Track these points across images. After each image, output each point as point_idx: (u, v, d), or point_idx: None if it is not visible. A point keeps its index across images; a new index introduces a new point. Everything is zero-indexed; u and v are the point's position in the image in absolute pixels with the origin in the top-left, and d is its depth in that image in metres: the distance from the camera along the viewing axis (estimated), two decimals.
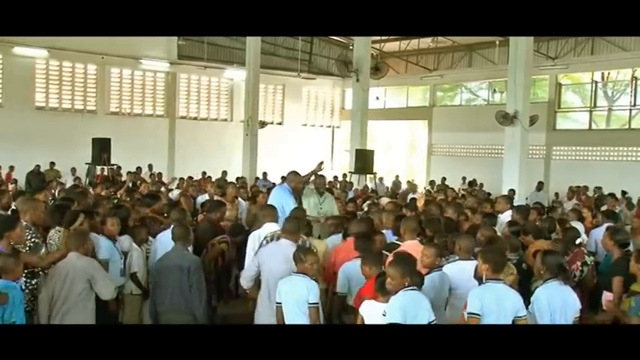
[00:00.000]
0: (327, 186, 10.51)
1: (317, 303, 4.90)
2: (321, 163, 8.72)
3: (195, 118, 24.47)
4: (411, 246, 5.64)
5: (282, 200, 7.82)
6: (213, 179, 15.57)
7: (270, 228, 6.16)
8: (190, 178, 15.56)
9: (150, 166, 19.25)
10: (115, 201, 9.29)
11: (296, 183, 8.20)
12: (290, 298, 4.93)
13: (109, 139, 17.26)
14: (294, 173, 8.37)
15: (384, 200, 11.02)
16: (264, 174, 19.82)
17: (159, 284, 5.50)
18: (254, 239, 6.22)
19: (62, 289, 4.95)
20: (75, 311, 4.94)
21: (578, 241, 6.84)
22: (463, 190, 17.07)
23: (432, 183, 19.38)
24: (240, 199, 10.18)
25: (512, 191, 12.95)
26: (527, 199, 14.16)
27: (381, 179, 19.94)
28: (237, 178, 16.62)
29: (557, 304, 4.56)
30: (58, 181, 14.72)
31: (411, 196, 13.54)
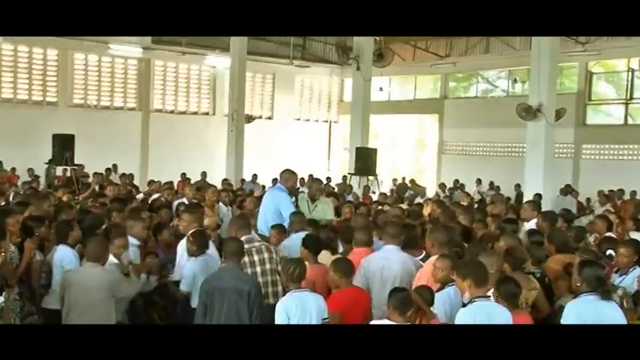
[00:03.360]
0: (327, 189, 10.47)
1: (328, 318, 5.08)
2: None
3: (172, 112, 24.50)
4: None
5: (278, 203, 7.94)
6: (193, 182, 15.63)
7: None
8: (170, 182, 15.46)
9: (114, 167, 19.06)
10: (78, 206, 9.26)
11: (292, 183, 8.36)
12: (305, 316, 5.01)
13: (73, 136, 17.19)
14: (289, 172, 8.51)
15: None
16: (254, 176, 19.89)
17: (209, 309, 5.41)
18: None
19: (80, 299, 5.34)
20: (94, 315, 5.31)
21: (608, 253, 6.86)
22: (479, 193, 17.08)
23: (442, 186, 19.39)
24: (221, 203, 10.22)
25: (538, 196, 12.96)
26: (552, 204, 14.13)
27: (375, 181, 19.80)
28: (224, 180, 16.70)
29: (588, 321, 4.57)
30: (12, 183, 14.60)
31: (418, 200, 13.80)
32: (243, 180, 19.26)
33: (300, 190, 10.92)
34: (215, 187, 11.70)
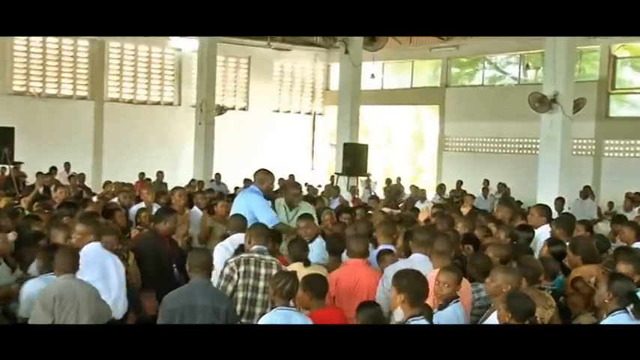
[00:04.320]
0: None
1: None
2: None
3: (130, 102, 24.46)
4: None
5: (253, 206, 7.94)
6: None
7: (239, 239, 6.49)
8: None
9: (66, 166, 19.08)
10: (21, 211, 9.23)
11: (268, 184, 8.37)
12: None
13: (12, 129, 17.17)
14: (265, 172, 8.49)
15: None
16: (217, 176, 19.87)
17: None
18: (220, 252, 6.67)
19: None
20: None
21: None
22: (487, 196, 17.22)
23: (441, 188, 19.46)
24: (196, 207, 10.27)
25: (561, 201, 12.98)
26: (569, 209, 13.95)
27: (368, 182, 20.01)
28: (192, 181, 16.73)
29: None
30: None
31: (418, 205, 13.87)
32: (212, 180, 19.32)
33: (277, 191, 10.94)
34: (182, 188, 11.66)
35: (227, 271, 6.09)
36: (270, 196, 8.37)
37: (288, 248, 6.76)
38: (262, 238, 6.42)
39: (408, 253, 6.64)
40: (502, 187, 19.74)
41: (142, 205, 10.24)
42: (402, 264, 6.19)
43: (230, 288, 6.02)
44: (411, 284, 4.71)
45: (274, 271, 6.07)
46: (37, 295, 5.53)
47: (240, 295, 6.07)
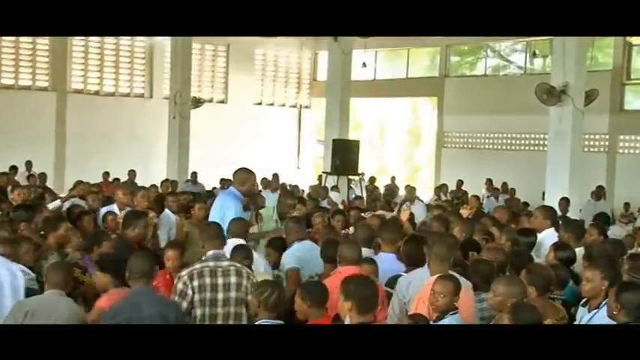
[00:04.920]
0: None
1: None
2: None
3: (96, 93, 24.33)
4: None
5: (227, 213, 7.90)
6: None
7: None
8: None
9: (28, 165, 19.04)
10: None
11: (249, 185, 8.35)
12: None
13: None
14: (245, 171, 8.50)
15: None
16: (194, 175, 19.77)
17: None
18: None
19: None
20: None
21: None
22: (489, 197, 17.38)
23: (440, 189, 19.35)
24: (168, 211, 10.29)
25: (565, 201, 12.91)
26: (580, 211, 14.16)
27: (361, 182, 19.96)
28: (165, 181, 16.70)
29: None
30: None
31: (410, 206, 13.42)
32: (174, 182, 18.94)
33: (260, 192, 10.92)
34: (146, 188, 11.70)
35: (180, 286, 6.03)
36: (250, 197, 8.39)
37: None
38: (217, 241, 6.39)
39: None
40: (505, 187, 19.77)
41: (113, 207, 10.15)
42: (418, 274, 6.28)
43: (185, 305, 5.96)
44: (359, 291, 4.80)
45: (233, 279, 6.09)
46: (12, 305, 5.64)
47: (198, 312, 6.02)
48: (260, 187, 15.10)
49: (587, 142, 16.63)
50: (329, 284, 6.13)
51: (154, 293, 5.73)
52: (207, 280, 6.04)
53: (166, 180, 17.41)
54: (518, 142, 22.97)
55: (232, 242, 6.85)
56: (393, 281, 6.43)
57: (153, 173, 19.06)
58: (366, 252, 7.10)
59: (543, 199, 13.91)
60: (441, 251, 6.15)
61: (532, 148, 21.89)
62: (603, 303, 5.42)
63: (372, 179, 21.72)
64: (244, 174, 8.39)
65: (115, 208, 10.07)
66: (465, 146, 24.46)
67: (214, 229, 6.61)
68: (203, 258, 6.24)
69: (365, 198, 16.69)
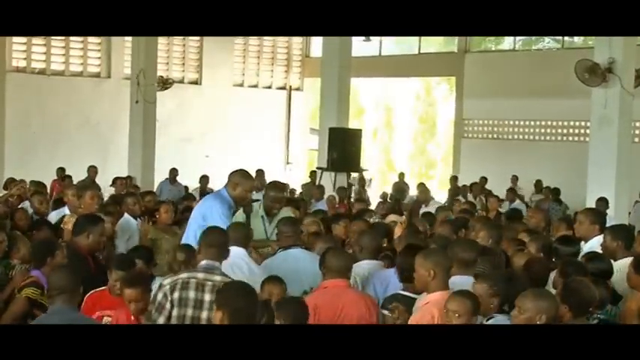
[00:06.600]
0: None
1: None
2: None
3: (42, 72, 23.24)
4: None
5: (207, 215, 7.77)
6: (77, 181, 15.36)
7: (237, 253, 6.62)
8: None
9: None
10: None
11: (241, 192, 7.99)
12: None
13: None
14: (244, 175, 8.16)
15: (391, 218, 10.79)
16: (173, 172, 18.70)
17: None
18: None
19: None
20: None
21: None
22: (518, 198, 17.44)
23: (468, 188, 18.32)
24: (127, 215, 10.07)
25: (602, 201, 12.39)
26: (629, 214, 14.12)
27: (361, 180, 19.68)
28: (117, 179, 15.83)
29: None
30: None
31: (425, 209, 13.40)
32: (166, 179, 18.57)
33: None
34: (94, 189, 11.00)
35: (159, 297, 5.87)
36: (241, 203, 8.13)
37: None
38: (215, 250, 6.10)
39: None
40: (540, 185, 19.31)
41: (65, 210, 10.06)
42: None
43: (162, 321, 5.77)
44: (232, 300, 4.84)
45: None
46: None
47: None
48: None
49: (637, 131, 16.52)
50: (315, 300, 6.13)
51: (75, 312, 5.43)
52: (192, 294, 5.87)
53: (129, 177, 16.99)
54: (554, 131, 22.37)
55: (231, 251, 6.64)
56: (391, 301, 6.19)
57: (110, 169, 18.24)
58: (373, 264, 7.10)
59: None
60: (464, 254, 6.31)
61: (571, 138, 21.54)
62: None
63: (362, 181, 20.63)
64: (238, 178, 8.08)
65: (67, 211, 9.94)
66: (490, 136, 23.87)
67: (217, 235, 6.38)
68: (197, 266, 6.13)
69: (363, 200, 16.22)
